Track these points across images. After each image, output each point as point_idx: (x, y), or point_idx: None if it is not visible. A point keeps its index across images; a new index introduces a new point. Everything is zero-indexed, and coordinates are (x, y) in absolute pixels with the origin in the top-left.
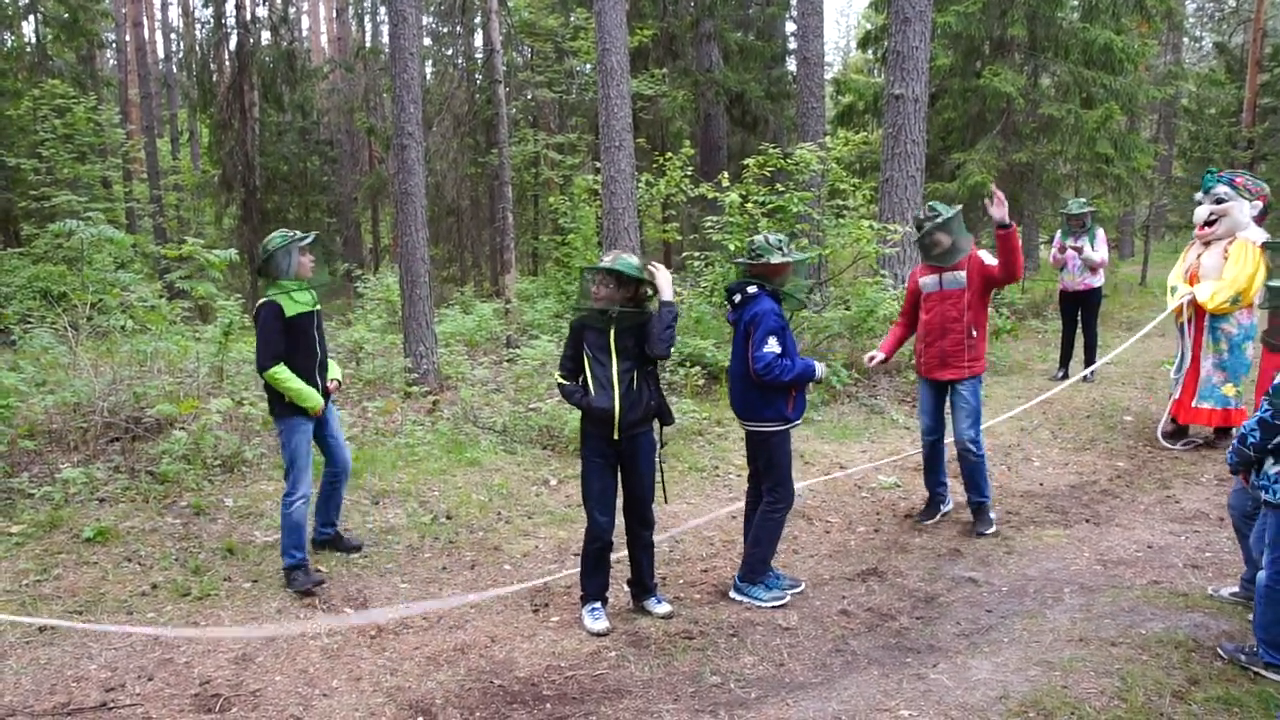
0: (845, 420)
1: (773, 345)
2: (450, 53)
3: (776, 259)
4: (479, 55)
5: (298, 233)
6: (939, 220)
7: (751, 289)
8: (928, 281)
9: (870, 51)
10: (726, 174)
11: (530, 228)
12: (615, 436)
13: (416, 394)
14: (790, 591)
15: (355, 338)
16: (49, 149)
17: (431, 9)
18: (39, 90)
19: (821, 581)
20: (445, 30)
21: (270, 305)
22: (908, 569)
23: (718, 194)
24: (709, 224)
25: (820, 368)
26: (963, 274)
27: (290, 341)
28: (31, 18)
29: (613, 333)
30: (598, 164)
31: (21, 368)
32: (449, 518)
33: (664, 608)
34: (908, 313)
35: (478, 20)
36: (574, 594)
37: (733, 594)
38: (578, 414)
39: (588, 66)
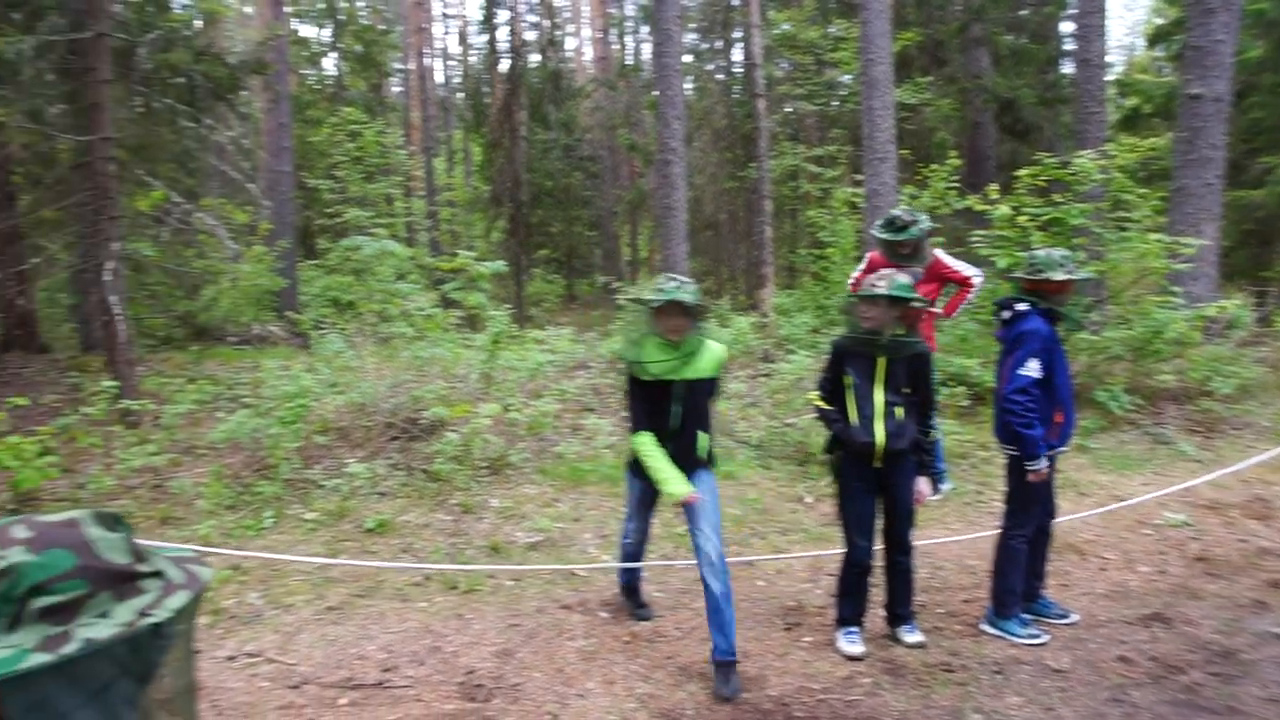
0: (1126, 449)
1: (1032, 368)
2: (710, 68)
3: (1059, 276)
4: (737, 70)
5: None
6: None
7: (1022, 306)
8: None
9: (1161, 49)
10: (996, 185)
11: (787, 241)
12: (878, 465)
13: None
14: (1059, 622)
15: (615, 349)
16: (343, 170)
17: (693, 25)
18: (336, 118)
19: (1096, 623)
20: (705, 46)
21: None
22: (1200, 618)
23: (986, 207)
24: (976, 238)
25: (1043, 462)
26: None
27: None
28: (333, 54)
29: (881, 362)
30: (857, 176)
31: (317, 369)
32: None
33: (915, 636)
34: None
35: (737, 35)
36: (828, 615)
37: (983, 626)
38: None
39: (847, 77)
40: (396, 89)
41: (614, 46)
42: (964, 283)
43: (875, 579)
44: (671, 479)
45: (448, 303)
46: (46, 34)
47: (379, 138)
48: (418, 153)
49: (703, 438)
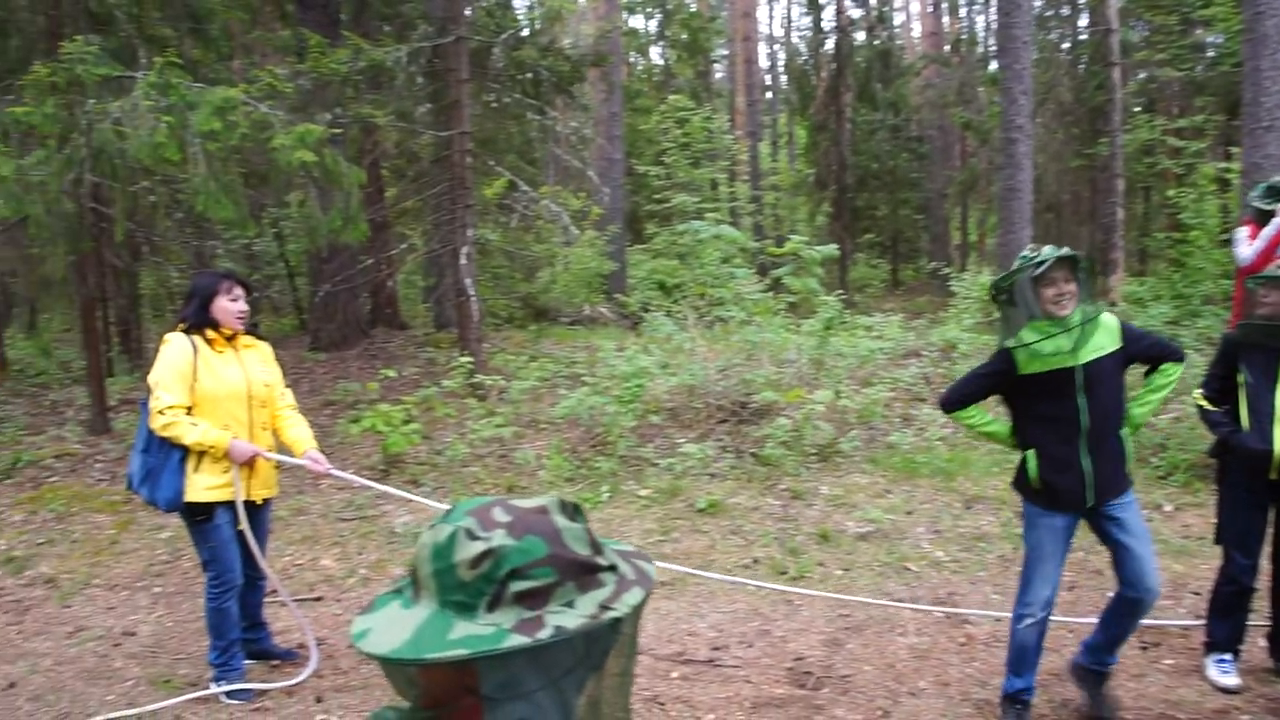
0: None
1: None
2: (1054, 37)
3: None
4: (1084, 37)
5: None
6: None
7: None
8: None
9: None
10: None
11: (1138, 224)
12: (1273, 477)
13: None
14: None
15: (948, 336)
16: (670, 156)
17: None
18: (664, 105)
19: None
20: (1050, 14)
21: None
22: None
23: None
24: None
25: None
26: None
27: None
28: (660, 43)
29: None
30: (1233, 149)
31: (651, 351)
32: None
33: None
34: None
35: (1079, 1)
36: (1193, 638)
37: None
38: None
39: (1217, 37)
40: (721, 74)
41: (944, 20)
42: None
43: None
44: (1005, 439)
45: (775, 287)
46: (417, 42)
47: (705, 123)
48: (743, 137)
49: (1126, 440)
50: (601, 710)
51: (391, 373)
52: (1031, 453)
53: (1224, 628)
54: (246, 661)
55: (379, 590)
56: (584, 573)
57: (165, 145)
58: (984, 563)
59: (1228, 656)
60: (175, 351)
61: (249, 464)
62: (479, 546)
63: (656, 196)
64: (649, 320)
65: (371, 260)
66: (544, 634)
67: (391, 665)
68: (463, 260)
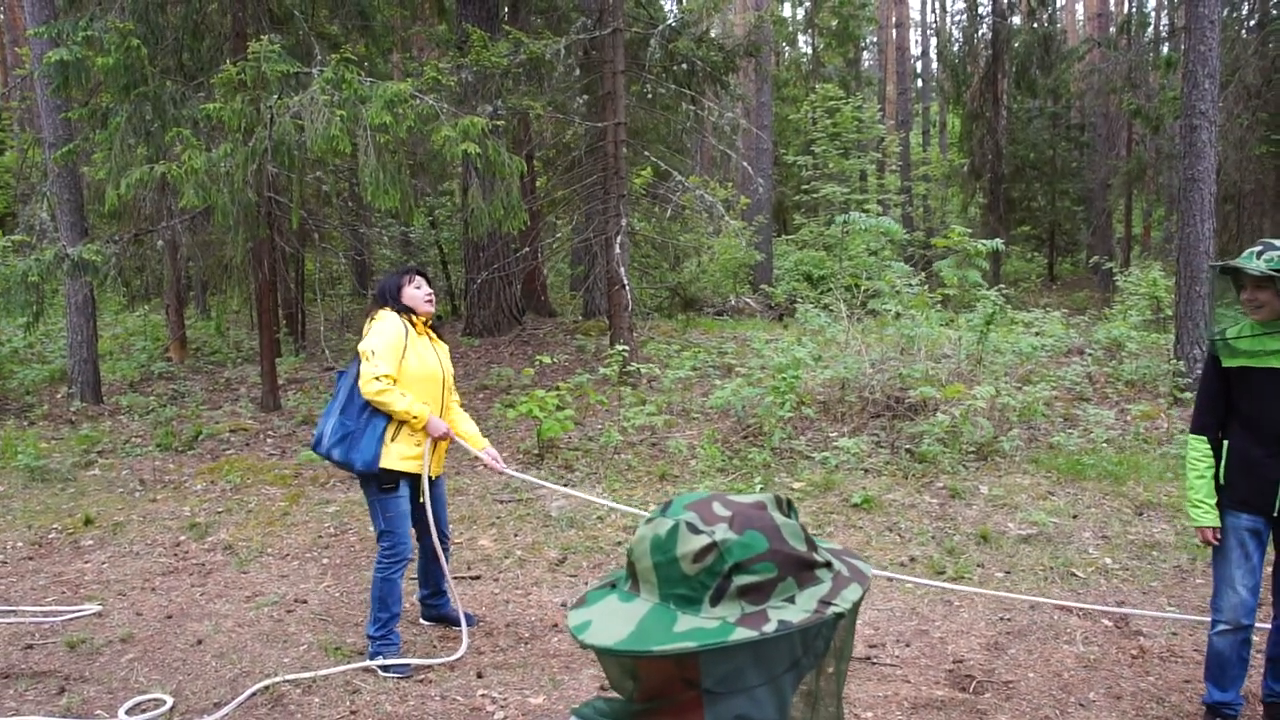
0: None
1: None
2: (1243, 13)
3: None
4: (1275, 12)
5: None
6: None
7: None
8: None
9: None
10: None
11: None
12: None
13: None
14: None
15: (1114, 334)
16: (819, 146)
17: None
18: (813, 95)
19: None
20: None
21: None
22: None
23: None
24: None
25: None
26: None
27: None
28: (808, 31)
29: None
30: None
31: (804, 343)
32: None
33: None
34: None
35: None
36: None
37: None
38: None
39: None
40: (871, 62)
41: (1111, 2)
42: None
43: None
44: (1197, 505)
45: (930, 280)
46: (575, 35)
47: (855, 113)
48: (894, 127)
49: None
50: (817, 707)
51: (547, 359)
52: (1225, 446)
53: None
54: (426, 623)
55: (535, 572)
56: (803, 568)
57: (339, 137)
58: (1158, 572)
59: None
60: (391, 327)
61: (437, 441)
62: (702, 540)
63: (805, 187)
64: (800, 311)
65: (525, 249)
66: (769, 628)
67: (613, 657)
68: (616, 249)
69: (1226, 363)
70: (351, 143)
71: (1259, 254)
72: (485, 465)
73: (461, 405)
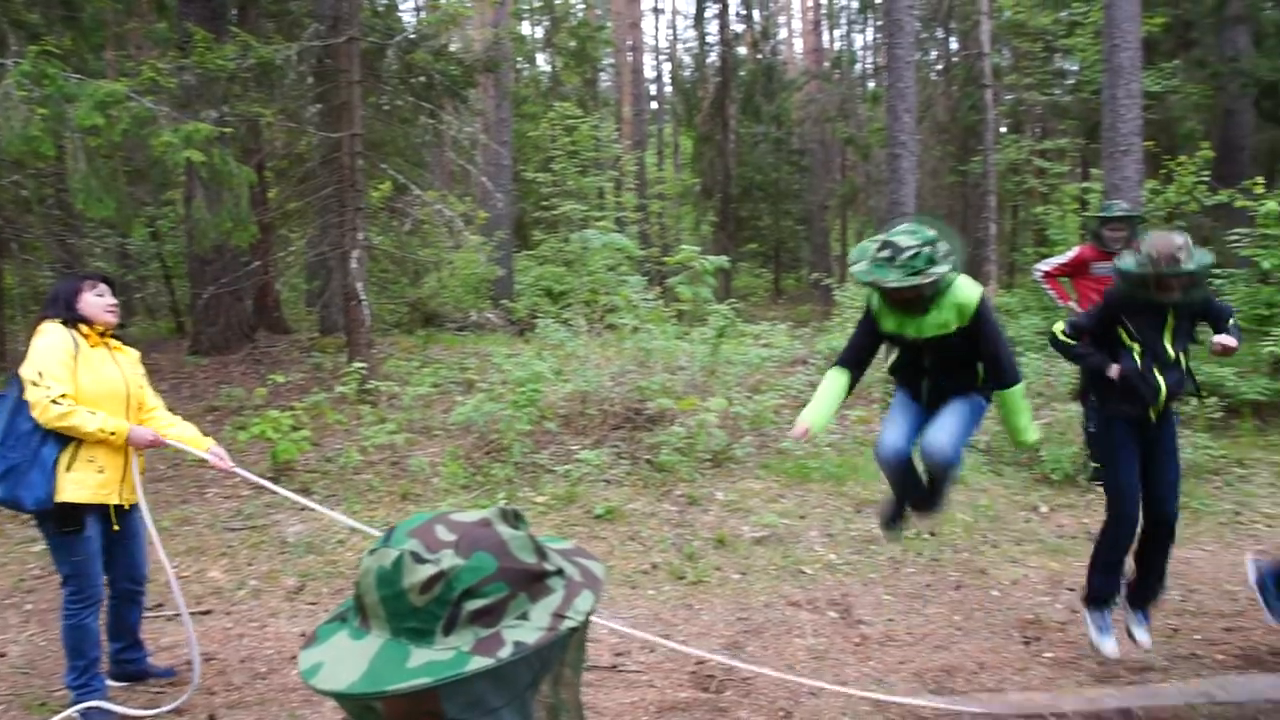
0: None
1: None
2: (932, 57)
3: None
4: (955, 60)
5: None
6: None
7: None
8: None
9: None
10: (1261, 179)
11: (1008, 239)
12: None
13: None
14: None
15: (833, 345)
16: (558, 164)
17: (915, 14)
18: (552, 112)
19: None
20: (925, 35)
21: None
22: None
23: (1249, 203)
24: (1234, 237)
25: None
26: None
27: None
28: (547, 50)
29: None
30: (1093, 170)
31: (544, 357)
32: (932, 534)
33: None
34: None
35: (952, 25)
36: (1069, 631)
37: None
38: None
39: (1078, 65)
40: (608, 84)
41: (825, 38)
42: None
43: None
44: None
45: (665, 295)
46: (308, 41)
47: (593, 132)
48: (630, 146)
49: None
50: (559, 715)
51: (281, 378)
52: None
53: (1104, 581)
54: (124, 683)
55: (271, 602)
56: (534, 581)
57: (40, 139)
58: (875, 565)
59: (1107, 616)
60: (57, 340)
61: (126, 464)
62: (428, 570)
63: (544, 203)
64: (541, 326)
65: (256, 263)
66: (505, 652)
67: (347, 699)
68: (353, 264)
69: (882, 328)
70: (57, 145)
71: (889, 261)
72: (213, 466)
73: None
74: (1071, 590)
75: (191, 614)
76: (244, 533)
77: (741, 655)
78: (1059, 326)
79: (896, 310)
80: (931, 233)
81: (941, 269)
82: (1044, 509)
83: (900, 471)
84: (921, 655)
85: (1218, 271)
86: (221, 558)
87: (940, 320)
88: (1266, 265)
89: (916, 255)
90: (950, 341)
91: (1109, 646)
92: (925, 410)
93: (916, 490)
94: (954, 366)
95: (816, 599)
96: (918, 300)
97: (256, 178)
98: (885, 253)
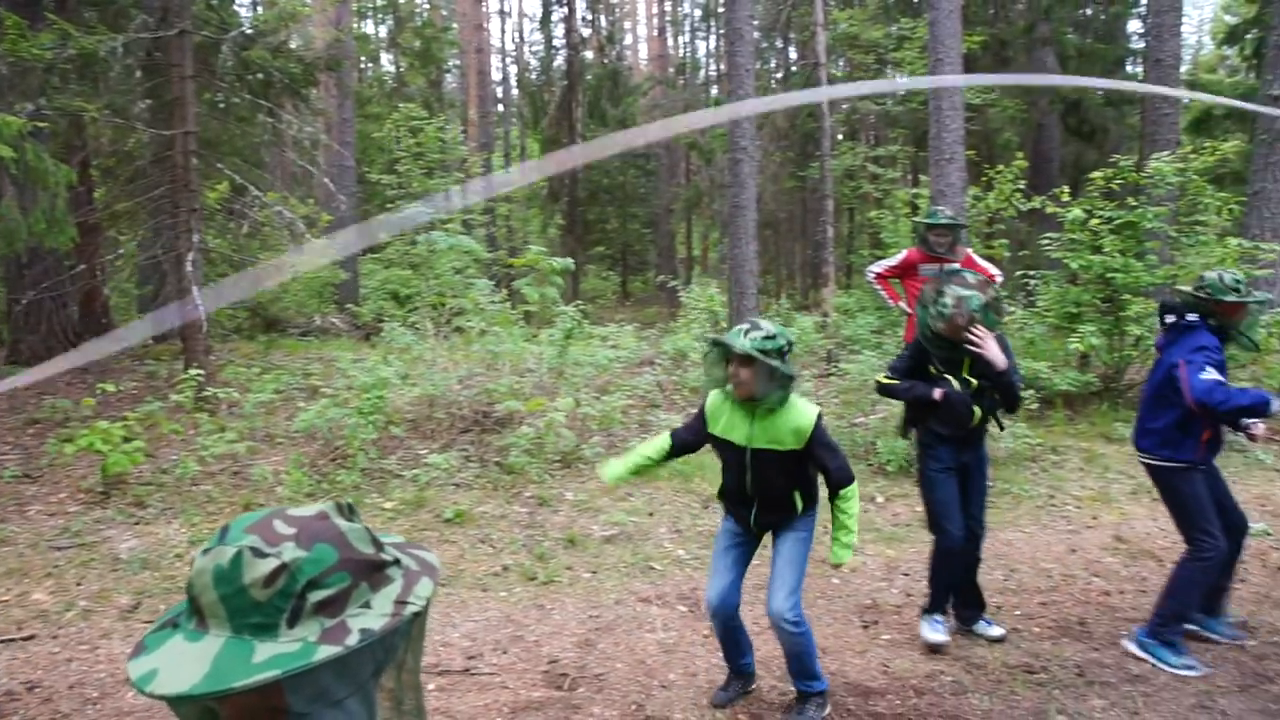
0: None
1: (1211, 374)
2: (771, 66)
3: (1230, 299)
4: (794, 69)
5: None
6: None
7: (1192, 317)
8: None
9: (1231, 48)
10: (1067, 188)
11: (844, 241)
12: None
13: None
14: (1226, 640)
15: (679, 345)
16: (403, 166)
17: (755, 23)
18: (396, 113)
19: None
20: (765, 45)
21: None
22: None
23: (1058, 209)
24: (1046, 241)
25: (1276, 401)
26: None
27: None
28: (391, 50)
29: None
30: (922, 177)
31: (390, 361)
32: None
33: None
34: None
35: (791, 35)
36: (904, 614)
37: (1129, 645)
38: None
39: (906, 78)
40: (454, 85)
41: (670, 44)
42: (990, 279)
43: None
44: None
45: (513, 297)
46: (135, 33)
47: (438, 134)
48: (476, 149)
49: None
50: (402, 702)
51: (111, 387)
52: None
53: (940, 592)
54: None
55: (103, 623)
56: (374, 570)
57: None
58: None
59: (939, 617)
60: None
61: None
62: (270, 564)
63: (389, 205)
64: (387, 330)
65: (82, 266)
66: (352, 640)
67: (190, 702)
68: (188, 267)
69: (710, 429)
70: None
71: (745, 332)
72: None
73: (9, 444)
74: (907, 575)
75: (11, 640)
76: (72, 551)
77: (594, 653)
78: (881, 375)
79: (730, 405)
80: (792, 338)
81: (784, 368)
82: (880, 499)
83: (731, 630)
84: (769, 643)
85: (1031, 273)
86: (47, 578)
87: (773, 437)
88: (1074, 266)
89: (771, 339)
90: (777, 457)
91: (940, 638)
92: (754, 540)
93: (744, 658)
94: (778, 492)
95: (666, 594)
96: (751, 391)
97: (77, 177)
98: (745, 326)
